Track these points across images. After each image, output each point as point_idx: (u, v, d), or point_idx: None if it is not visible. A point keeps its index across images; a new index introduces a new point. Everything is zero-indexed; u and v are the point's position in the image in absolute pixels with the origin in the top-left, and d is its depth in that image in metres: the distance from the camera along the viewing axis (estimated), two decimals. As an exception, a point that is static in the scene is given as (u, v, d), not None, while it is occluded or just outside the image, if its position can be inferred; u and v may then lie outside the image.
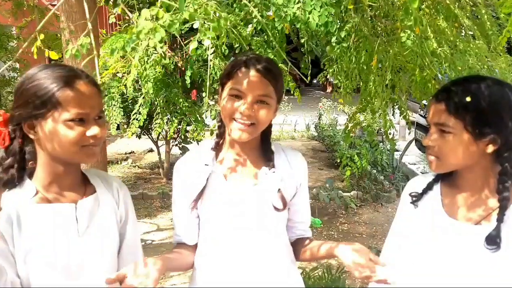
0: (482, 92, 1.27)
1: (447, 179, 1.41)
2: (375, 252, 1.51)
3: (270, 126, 1.54)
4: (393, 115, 2.89)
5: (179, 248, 1.56)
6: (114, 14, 1.87)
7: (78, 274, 1.28)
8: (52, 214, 1.26)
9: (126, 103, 3.76)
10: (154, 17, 1.19)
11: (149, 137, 6.86)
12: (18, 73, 5.72)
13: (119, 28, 4.86)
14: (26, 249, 1.22)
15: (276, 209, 1.49)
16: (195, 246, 1.56)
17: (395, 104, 2.75)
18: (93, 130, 1.23)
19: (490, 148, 1.27)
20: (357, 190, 6.00)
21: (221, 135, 1.54)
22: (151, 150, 8.74)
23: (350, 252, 1.32)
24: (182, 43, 1.91)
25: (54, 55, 1.55)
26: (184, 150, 7.06)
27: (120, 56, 2.27)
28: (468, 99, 1.25)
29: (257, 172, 1.51)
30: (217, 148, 1.54)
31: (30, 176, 1.28)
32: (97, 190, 1.36)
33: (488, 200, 1.32)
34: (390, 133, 2.79)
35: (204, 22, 1.31)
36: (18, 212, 1.22)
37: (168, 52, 2.31)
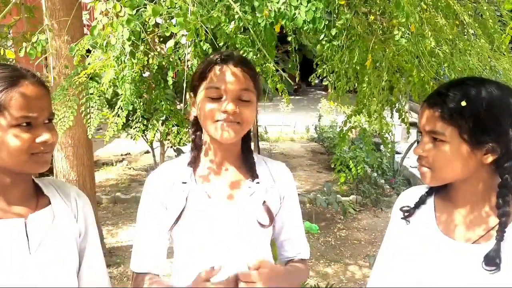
0: (480, 96, 1.12)
1: (441, 191, 1.26)
2: (372, 261, 1.38)
3: (249, 132, 1.40)
4: (391, 117, 2.75)
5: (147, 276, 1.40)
6: (88, 10, 1.72)
7: None
8: (1, 230, 1.12)
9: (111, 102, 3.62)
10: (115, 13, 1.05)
11: (144, 139, 6.73)
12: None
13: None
14: None
15: (262, 225, 1.35)
16: (157, 277, 1.39)
17: (393, 106, 2.61)
18: (43, 136, 1.09)
19: (489, 158, 1.13)
20: (356, 194, 5.85)
21: (197, 147, 1.39)
22: (147, 152, 8.61)
23: None
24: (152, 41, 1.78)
25: (10, 54, 1.41)
26: (178, 152, 6.93)
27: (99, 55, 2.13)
28: (463, 103, 1.10)
29: (240, 185, 1.36)
30: (195, 161, 1.40)
31: None
32: (51, 202, 1.22)
33: (487, 216, 1.17)
34: (387, 137, 2.64)
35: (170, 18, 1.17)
36: None
37: (154, 51, 2.17)
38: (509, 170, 1.14)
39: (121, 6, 1.03)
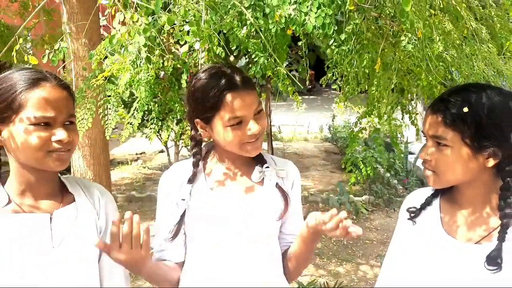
0: (481, 102, 1.17)
1: (447, 194, 1.31)
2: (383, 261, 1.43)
3: None
4: (402, 118, 2.78)
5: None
6: (105, 15, 1.79)
7: (55, 283, 1.21)
8: (25, 225, 1.20)
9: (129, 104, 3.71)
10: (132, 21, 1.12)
11: (159, 138, 6.83)
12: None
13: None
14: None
15: (273, 213, 1.42)
16: (181, 264, 1.48)
17: (404, 108, 2.64)
18: (59, 135, 1.16)
19: (491, 162, 1.17)
20: (369, 194, 5.87)
21: (197, 163, 1.45)
22: (162, 151, 8.72)
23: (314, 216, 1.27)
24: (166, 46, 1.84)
25: (33, 60, 1.49)
26: (193, 151, 7.02)
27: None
28: (465, 109, 1.15)
29: (251, 174, 1.44)
30: (204, 161, 1.47)
31: (4, 183, 1.23)
32: (76, 199, 1.29)
33: (489, 217, 1.22)
34: (397, 138, 2.67)
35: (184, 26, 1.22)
36: None
37: (167, 54, 2.23)
38: (511, 173, 1.18)
39: (138, 16, 1.09)
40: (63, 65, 1.82)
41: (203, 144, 1.49)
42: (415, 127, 2.65)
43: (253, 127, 1.32)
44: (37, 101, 1.14)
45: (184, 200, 1.39)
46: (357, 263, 4.13)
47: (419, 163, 6.85)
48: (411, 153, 7.09)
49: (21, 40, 1.81)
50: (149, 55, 1.58)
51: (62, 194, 1.29)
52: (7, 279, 1.17)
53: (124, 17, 1.15)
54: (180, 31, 1.25)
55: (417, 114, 2.74)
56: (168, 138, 2.49)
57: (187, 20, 1.22)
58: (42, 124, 1.14)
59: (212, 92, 1.32)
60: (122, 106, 3.65)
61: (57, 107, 1.16)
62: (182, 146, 6.96)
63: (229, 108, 1.31)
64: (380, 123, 2.53)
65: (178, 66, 2.29)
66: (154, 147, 8.83)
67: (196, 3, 1.44)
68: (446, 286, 1.22)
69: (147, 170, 7.84)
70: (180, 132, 6.04)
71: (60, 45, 1.39)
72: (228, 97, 1.31)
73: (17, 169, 1.21)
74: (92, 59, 1.48)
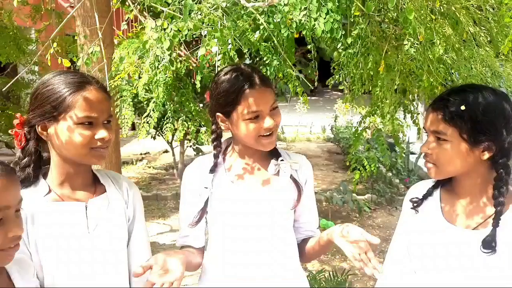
0: (477, 101, 1.29)
1: (446, 185, 1.43)
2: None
3: None
4: (404, 118, 2.90)
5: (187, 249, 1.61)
6: (126, 21, 1.92)
7: (89, 269, 1.33)
8: (64, 212, 1.32)
9: (141, 104, 3.84)
10: (161, 27, 1.23)
11: (163, 138, 6.94)
12: (37, 76, 5.85)
13: (135, 30, 4.95)
14: (38, 245, 1.28)
15: (287, 203, 1.54)
16: (201, 249, 1.61)
17: (406, 108, 2.76)
18: (101, 133, 1.29)
19: (486, 155, 1.30)
20: (372, 193, 5.98)
21: (218, 155, 1.57)
22: (166, 151, 8.83)
23: (348, 245, 1.35)
24: (186, 49, 1.96)
25: (66, 63, 1.61)
26: (198, 151, 7.14)
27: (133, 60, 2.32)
28: (463, 108, 1.27)
29: (267, 167, 1.56)
30: (224, 155, 1.59)
31: (44, 175, 1.35)
32: (107, 190, 1.42)
33: (485, 206, 1.34)
34: (399, 137, 2.79)
35: (211, 32, 1.34)
36: (32, 210, 1.28)
37: (180, 56, 2.35)
38: (504, 165, 1.31)
39: (168, 23, 1.21)
40: (96, 67, 1.94)
41: (222, 139, 1.62)
42: (417, 126, 2.76)
43: (268, 121, 1.44)
44: (83, 102, 1.26)
45: (207, 188, 1.51)
46: (360, 259, 4.25)
47: (420, 162, 6.96)
48: (412, 153, 7.21)
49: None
50: (172, 58, 1.70)
51: (95, 185, 1.42)
52: (47, 260, 1.29)
53: (139, 22, 1.27)
54: (204, 36, 1.37)
55: (418, 114, 2.86)
56: (182, 137, 2.59)
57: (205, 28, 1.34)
58: (86, 123, 1.27)
59: (232, 89, 1.44)
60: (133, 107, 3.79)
61: (100, 108, 1.29)
62: (187, 146, 7.09)
63: (248, 103, 1.42)
64: (383, 123, 2.65)
65: (191, 68, 2.42)
66: (158, 147, 8.95)
67: (214, 10, 1.56)
68: (446, 268, 1.35)
69: (152, 170, 7.96)
70: (194, 131, 6.14)
71: (93, 49, 1.51)
72: (247, 93, 1.43)
73: (58, 163, 1.34)
74: (122, 61, 1.60)
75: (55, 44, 1.63)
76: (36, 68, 5.60)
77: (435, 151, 1.33)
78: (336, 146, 9.26)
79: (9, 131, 1.35)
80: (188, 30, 1.30)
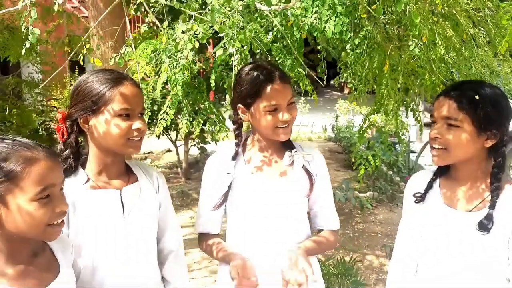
0: (488, 94, 1.45)
1: (445, 174, 1.57)
2: (388, 250, 1.67)
3: None
4: (406, 116, 3.02)
5: (210, 238, 1.74)
6: (146, 23, 2.04)
7: (124, 253, 1.46)
8: (101, 199, 1.45)
9: (152, 103, 3.96)
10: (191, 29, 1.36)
11: (168, 137, 7.05)
12: (39, 75, 5.95)
13: (138, 30, 5.09)
14: (79, 229, 1.41)
15: (301, 192, 1.66)
16: (217, 236, 1.74)
17: (408, 106, 2.88)
18: (137, 124, 1.42)
19: (489, 143, 1.44)
20: (373, 190, 6.11)
21: (239, 141, 1.70)
22: (169, 150, 8.94)
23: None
24: (209, 47, 2.08)
25: (98, 62, 1.73)
26: (202, 150, 7.25)
27: (149, 61, 2.45)
28: (477, 97, 1.41)
29: (282, 158, 1.68)
30: (243, 148, 1.71)
31: (83, 165, 1.48)
32: (139, 179, 1.55)
33: (482, 190, 1.48)
34: (402, 135, 2.91)
35: (233, 34, 1.47)
36: (73, 197, 1.41)
37: (197, 56, 2.47)
38: (502, 154, 1.46)
39: (197, 26, 1.33)
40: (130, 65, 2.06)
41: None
42: (419, 123, 2.89)
43: (285, 115, 1.57)
44: (121, 96, 1.39)
45: (229, 174, 1.63)
46: (363, 253, 4.38)
47: (420, 161, 7.10)
48: (412, 151, 7.34)
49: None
50: (194, 58, 1.82)
51: (128, 175, 1.55)
52: (87, 242, 1.42)
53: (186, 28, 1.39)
54: (231, 38, 1.49)
55: (420, 112, 2.98)
56: (199, 133, 2.71)
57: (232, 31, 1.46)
58: (124, 115, 1.40)
59: (254, 83, 1.57)
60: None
61: (135, 101, 1.42)
62: (191, 145, 7.20)
63: (267, 96, 1.55)
64: (386, 120, 2.77)
65: (203, 67, 2.54)
66: (162, 147, 9.05)
67: (234, 13, 1.69)
68: (447, 248, 1.48)
69: (156, 168, 8.07)
70: (189, 131, 6.26)
71: (125, 50, 1.64)
72: (267, 87, 1.55)
73: (96, 154, 1.47)
74: (152, 62, 1.73)
75: (87, 45, 1.75)
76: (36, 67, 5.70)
77: (444, 136, 1.46)
78: (338, 146, 9.38)
79: (53, 126, 1.47)
80: (213, 33, 1.42)
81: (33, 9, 1.41)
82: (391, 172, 6.61)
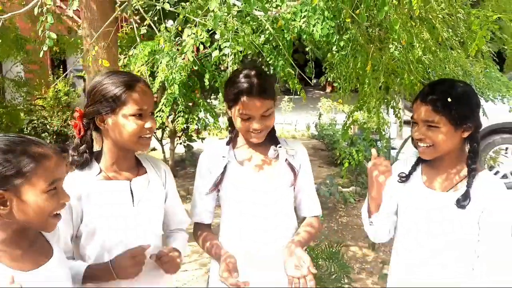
0: (458, 93, 1.64)
1: (427, 161, 1.75)
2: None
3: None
4: (387, 113, 3.21)
5: (204, 230, 1.87)
6: (144, 25, 2.18)
7: (133, 236, 1.60)
8: (112, 189, 1.59)
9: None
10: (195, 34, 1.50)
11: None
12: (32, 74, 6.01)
13: (124, 30, 5.20)
14: (92, 216, 1.55)
15: (286, 182, 1.82)
16: (209, 225, 1.89)
17: (389, 104, 3.06)
18: (149, 123, 1.56)
19: (466, 134, 1.65)
20: (356, 185, 6.32)
21: (231, 136, 1.87)
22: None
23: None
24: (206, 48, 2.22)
25: (106, 63, 1.86)
26: (188, 148, 7.37)
27: (145, 61, 2.58)
28: (449, 99, 1.60)
29: (267, 153, 1.84)
30: (232, 143, 1.87)
31: (97, 159, 1.62)
32: (147, 171, 1.69)
33: (459, 172, 1.69)
34: (383, 131, 3.09)
35: (228, 37, 1.62)
36: (88, 187, 1.55)
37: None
38: (477, 141, 1.68)
39: (201, 31, 1.48)
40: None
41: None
42: (399, 119, 3.08)
43: (256, 125, 1.72)
44: (135, 98, 1.53)
45: (224, 157, 1.79)
46: (347, 245, 4.57)
47: (400, 156, 7.33)
48: (393, 148, 7.56)
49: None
50: (195, 58, 1.97)
51: (137, 167, 1.69)
52: (100, 228, 1.56)
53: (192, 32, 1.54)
54: (226, 40, 1.64)
55: (400, 109, 3.17)
56: (194, 129, 2.84)
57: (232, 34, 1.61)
58: (137, 115, 1.53)
59: (235, 90, 1.72)
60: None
61: (148, 101, 1.57)
62: (177, 143, 7.31)
63: (243, 106, 1.70)
64: (369, 116, 2.95)
65: (196, 68, 2.68)
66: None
67: (230, 17, 1.84)
68: (428, 222, 1.67)
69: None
70: (174, 129, 6.37)
71: (133, 52, 1.77)
72: (244, 98, 1.70)
73: (110, 148, 1.61)
74: (149, 62, 1.86)
75: (96, 48, 1.88)
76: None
77: (428, 136, 1.65)
78: (321, 143, 9.58)
79: (69, 122, 1.61)
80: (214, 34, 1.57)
81: (49, 15, 1.54)
82: (373, 168, 6.83)
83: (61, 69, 8.03)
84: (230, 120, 1.87)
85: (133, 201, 1.62)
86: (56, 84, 7.85)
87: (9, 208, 1.20)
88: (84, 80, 8.29)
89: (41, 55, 1.79)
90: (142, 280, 1.58)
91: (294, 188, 1.88)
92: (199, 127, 3.37)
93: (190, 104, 2.95)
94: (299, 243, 1.72)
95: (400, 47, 2.01)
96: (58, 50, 5.32)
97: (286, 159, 1.84)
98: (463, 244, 1.66)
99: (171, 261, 1.62)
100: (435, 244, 1.69)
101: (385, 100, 2.96)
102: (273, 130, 1.87)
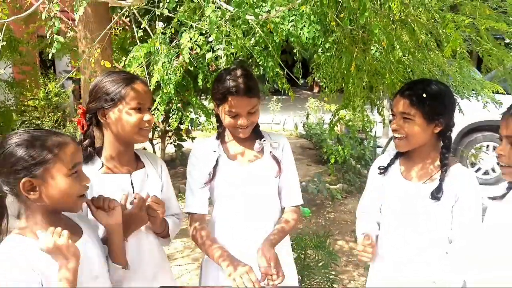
0: (433, 90, 1.79)
1: (404, 154, 1.91)
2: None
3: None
4: (372, 111, 3.37)
5: (199, 222, 1.97)
6: (141, 28, 2.30)
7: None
8: (114, 181, 1.71)
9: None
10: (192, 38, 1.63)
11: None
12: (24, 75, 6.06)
13: (113, 31, 5.29)
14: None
15: (272, 173, 1.95)
16: (204, 216, 1.99)
17: (373, 102, 3.22)
18: (147, 116, 1.69)
19: (437, 129, 1.80)
20: (343, 183, 6.49)
21: (220, 131, 2.00)
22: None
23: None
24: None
25: (108, 64, 1.98)
26: (179, 147, 7.47)
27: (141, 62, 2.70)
28: (424, 95, 1.75)
29: (252, 146, 1.97)
30: (221, 138, 2.00)
31: (98, 153, 1.74)
32: (145, 165, 1.82)
33: (433, 166, 1.83)
34: (367, 128, 3.24)
35: (221, 40, 1.75)
36: (91, 180, 1.66)
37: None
38: (448, 137, 1.84)
39: (198, 35, 1.61)
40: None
41: None
42: (382, 117, 3.24)
43: (242, 122, 1.86)
44: (134, 93, 1.66)
45: (215, 151, 1.92)
46: (335, 239, 4.73)
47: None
48: (379, 146, 7.75)
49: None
50: (191, 59, 2.10)
51: (136, 162, 1.81)
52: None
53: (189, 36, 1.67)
54: (219, 43, 1.78)
55: (383, 107, 3.33)
56: (188, 126, 2.95)
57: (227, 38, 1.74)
58: (136, 109, 1.66)
59: (222, 90, 1.85)
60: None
61: (146, 97, 1.69)
62: (168, 143, 7.40)
63: (230, 105, 1.84)
64: (354, 114, 3.10)
65: (191, 68, 2.81)
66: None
67: (221, 19, 1.97)
68: (404, 213, 1.82)
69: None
70: (165, 129, 6.46)
71: (134, 54, 1.90)
72: (230, 97, 1.83)
73: (111, 142, 1.73)
74: (162, 65, 1.99)
75: (98, 50, 2.00)
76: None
77: (403, 127, 1.81)
78: (309, 142, 9.74)
79: (73, 119, 1.74)
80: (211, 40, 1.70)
81: (56, 19, 1.66)
82: (359, 166, 7.00)
83: (51, 70, 8.08)
84: (217, 117, 1.99)
85: (133, 193, 1.74)
86: (46, 84, 7.92)
87: (39, 193, 1.34)
88: (73, 81, 8.35)
89: (50, 56, 1.91)
90: (140, 276, 1.72)
91: (278, 179, 2.02)
92: (191, 127, 3.49)
93: (182, 103, 3.08)
94: (270, 242, 1.86)
95: (381, 49, 2.16)
96: (50, 52, 5.38)
97: (271, 152, 1.98)
98: (437, 233, 1.82)
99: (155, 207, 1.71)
100: (412, 232, 1.84)
101: (369, 99, 3.11)
102: (257, 125, 2.01)
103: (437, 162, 1.84)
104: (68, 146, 1.39)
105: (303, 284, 2.75)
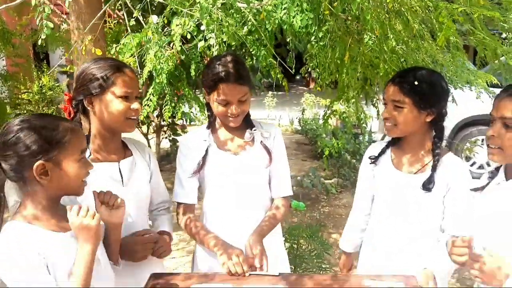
0: (425, 79, 1.77)
1: (396, 143, 1.90)
2: None
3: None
4: (366, 104, 3.36)
5: (188, 213, 1.97)
6: (134, 18, 2.28)
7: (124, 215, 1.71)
8: (103, 170, 1.69)
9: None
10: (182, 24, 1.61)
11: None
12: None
13: (108, 25, 5.27)
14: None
15: (262, 163, 1.94)
16: (193, 206, 1.98)
17: (368, 94, 3.20)
18: (135, 105, 1.67)
19: (428, 118, 1.77)
20: (338, 177, 6.49)
21: (210, 119, 1.98)
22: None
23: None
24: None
25: (99, 52, 1.96)
26: (173, 142, 7.44)
27: (133, 52, 2.67)
28: (416, 83, 1.74)
29: (243, 136, 1.95)
30: (212, 127, 1.98)
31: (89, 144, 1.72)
32: (133, 154, 1.80)
33: (424, 156, 1.82)
34: (361, 120, 3.23)
35: (213, 28, 1.73)
36: None
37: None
38: (440, 126, 1.80)
39: (189, 22, 1.59)
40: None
41: None
42: (376, 109, 3.22)
43: (233, 109, 1.84)
44: (122, 81, 1.64)
45: (205, 141, 1.90)
46: (329, 232, 4.73)
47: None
48: (374, 141, 7.75)
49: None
50: (183, 47, 2.08)
51: (124, 150, 1.80)
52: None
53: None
54: (211, 31, 1.76)
55: (378, 99, 3.32)
56: (181, 117, 2.94)
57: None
58: (124, 97, 1.64)
59: (213, 78, 1.83)
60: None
61: (133, 85, 1.67)
62: (163, 138, 7.37)
63: (220, 92, 1.82)
64: (348, 106, 3.09)
65: (183, 57, 2.79)
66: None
67: (213, 7, 1.95)
68: (395, 202, 1.81)
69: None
70: (160, 124, 6.43)
71: (125, 42, 1.88)
72: (221, 85, 1.81)
73: (98, 130, 1.70)
74: (153, 53, 1.97)
75: (89, 38, 1.97)
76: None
77: (394, 115, 1.79)
78: (304, 137, 9.72)
79: (59, 106, 1.73)
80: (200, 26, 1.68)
81: (46, 6, 1.63)
82: (354, 160, 6.99)
83: (45, 63, 8.03)
84: (208, 105, 1.97)
85: (122, 181, 1.72)
86: (40, 78, 7.87)
87: (50, 177, 1.36)
88: (68, 75, 8.30)
89: (39, 42, 1.88)
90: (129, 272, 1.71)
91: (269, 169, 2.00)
92: (185, 121, 3.46)
93: (177, 94, 3.06)
94: (259, 233, 1.86)
95: (374, 38, 2.15)
96: (44, 44, 5.35)
97: (261, 141, 1.96)
98: (428, 223, 1.81)
99: (165, 245, 1.75)
100: (403, 222, 1.83)
101: (364, 92, 3.10)
102: (248, 115, 1.99)
103: (429, 152, 1.82)
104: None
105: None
